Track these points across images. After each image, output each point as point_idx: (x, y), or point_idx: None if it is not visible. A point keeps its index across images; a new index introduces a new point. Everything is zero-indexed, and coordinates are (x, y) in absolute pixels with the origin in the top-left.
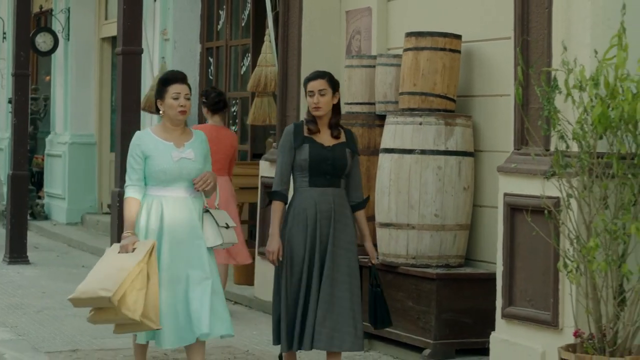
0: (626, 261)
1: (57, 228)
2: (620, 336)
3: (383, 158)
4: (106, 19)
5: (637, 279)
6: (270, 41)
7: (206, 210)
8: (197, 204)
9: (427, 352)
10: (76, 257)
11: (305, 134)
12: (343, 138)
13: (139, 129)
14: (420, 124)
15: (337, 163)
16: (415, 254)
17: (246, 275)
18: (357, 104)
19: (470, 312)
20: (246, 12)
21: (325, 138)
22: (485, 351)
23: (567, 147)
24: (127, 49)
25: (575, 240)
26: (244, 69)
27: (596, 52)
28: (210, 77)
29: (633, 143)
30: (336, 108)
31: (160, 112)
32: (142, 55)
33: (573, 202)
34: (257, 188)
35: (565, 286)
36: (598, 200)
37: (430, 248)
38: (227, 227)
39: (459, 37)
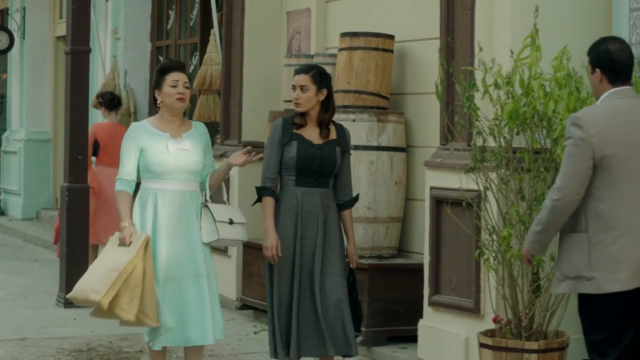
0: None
1: (12, 223)
2: (536, 322)
3: None
4: (61, 17)
5: (550, 267)
6: (215, 40)
7: (205, 205)
8: (194, 198)
9: (359, 339)
10: (30, 251)
11: (294, 130)
12: (334, 135)
13: (88, 127)
14: (354, 120)
15: (326, 162)
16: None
17: None
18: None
19: (402, 301)
20: (194, 13)
21: (314, 135)
22: (415, 338)
23: (484, 142)
24: (75, 48)
25: (492, 231)
26: (192, 67)
27: (512, 52)
28: None
29: (547, 138)
30: (325, 104)
31: (158, 102)
32: (94, 54)
33: (490, 194)
34: None
35: (485, 275)
36: (514, 193)
37: (363, 240)
38: (231, 222)
39: (391, 37)
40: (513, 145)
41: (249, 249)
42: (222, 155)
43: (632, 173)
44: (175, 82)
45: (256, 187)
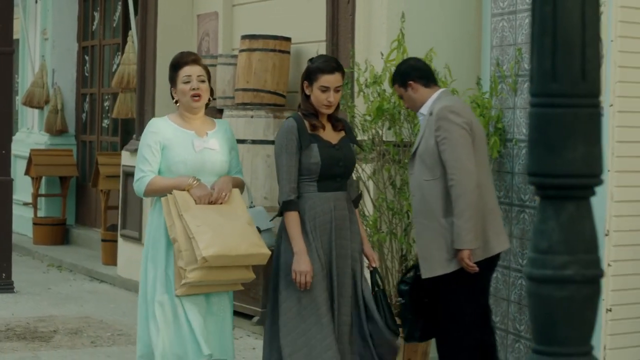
0: (409, 233)
1: None
2: None
3: None
4: None
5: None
6: (133, 41)
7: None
8: None
9: (255, 319)
10: None
11: (309, 130)
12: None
13: (11, 128)
14: (252, 117)
15: (348, 163)
16: None
17: (112, 256)
18: None
19: None
20: (117, 14)
21: (329, 134)
22: None
23: (356, 136)
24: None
25: (364, 217)
26: (115, 66)
27: (382, 54)
28: (86, 74)
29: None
30: None
31: (175, 101)
32: (23, 54)
33: (370, 183)
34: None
35: None
36: (386, 182)
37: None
38: (259, 231)
39: (288, 39)
40: (387, 139)
41: None
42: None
43: (483, 155)
44: (188, 78)
45: (282, 202)
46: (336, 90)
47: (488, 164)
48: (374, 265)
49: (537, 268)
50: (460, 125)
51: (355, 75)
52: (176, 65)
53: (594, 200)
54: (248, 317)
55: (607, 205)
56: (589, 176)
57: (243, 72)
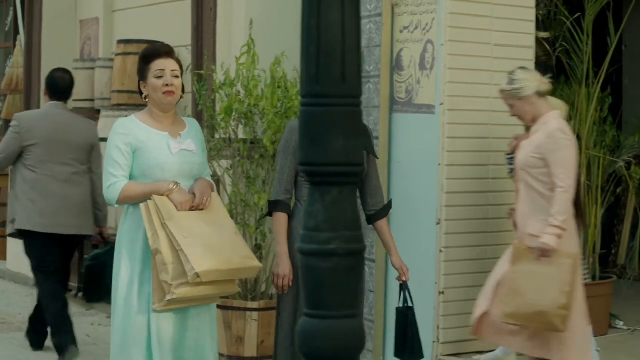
0: (262, 225)
1: None
2: (260, 285)
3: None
4: None
5: (272, 238)
6: (21, 45)
7: None
8: None
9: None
10: None
11: None
12: None
13: None
14: (126, 117)
15: None
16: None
17: (1, 250)
18: (81, 100)
19: None
20: (9, 19)
21: None
22: None
23: (212, 134)
24: None
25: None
26: (7, 69)
27: (237, 58)
28: None
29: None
30: None
31: (144, 96)
32: None
33: (227, 178)
34: None
35: None
36: (240, 177)
37: None
38: None
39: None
40: (243, 137)
41: None
42: None
43: None
44: (161, 72)
45: (269, 201)
46: None
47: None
48: (403, 279)
49: (306, 243)
50: None
51: (214, 77)
52: (148, 57)
53: (426, 192)
54: None
55: (438, 196)
56: (349, 165)
57: (119, 75)
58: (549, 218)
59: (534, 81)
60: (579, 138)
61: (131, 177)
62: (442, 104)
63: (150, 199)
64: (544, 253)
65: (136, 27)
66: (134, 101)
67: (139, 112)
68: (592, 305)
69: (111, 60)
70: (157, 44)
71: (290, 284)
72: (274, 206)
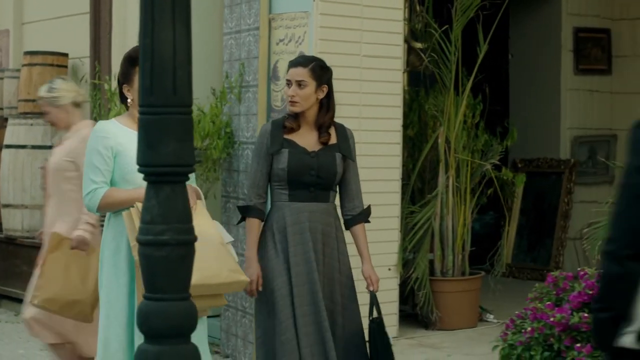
0: None
1: None
2: None
3: (4, 153)
4: None
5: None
6: None
7: None
8: None
9: None
10: None
11: (285, 135)
12: (334, 139)
13: None
14: (32, 124)
15: (323, 173)
16: (29, 228)
17: None
18: None
19: None
20: None
21: (309, 141)
22: None
23: None
24: None
25: None
26: None
27: None
28: None
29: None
30: (324, 104)
31: (128, 100)
32: None
33: None
34: None
35: None
36: None
37: (40, 223)
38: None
39: (65, 55)
40: None
41: None
42: None
43: None
44: None
45: (238, 207)
46: (299, 84)
47: None
48: (370, 288)
49: (143, 235)
50: None
51: (106, 86)
52: (135, 59)
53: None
54: None
55: None
56: (179, 165)
57: (25, 85)
58: (83, 216)
59: (71, 92)
60: (447, 142)
61: (111, 182)
62: None
63: (133, 207)
64: (80, 245)
65: (43, 39)
66: (38, 109)
67: (120, 116)
68: (462, 299)
69: (17, 70)
70: None
71: (260, 288)
72: (245, 211)
